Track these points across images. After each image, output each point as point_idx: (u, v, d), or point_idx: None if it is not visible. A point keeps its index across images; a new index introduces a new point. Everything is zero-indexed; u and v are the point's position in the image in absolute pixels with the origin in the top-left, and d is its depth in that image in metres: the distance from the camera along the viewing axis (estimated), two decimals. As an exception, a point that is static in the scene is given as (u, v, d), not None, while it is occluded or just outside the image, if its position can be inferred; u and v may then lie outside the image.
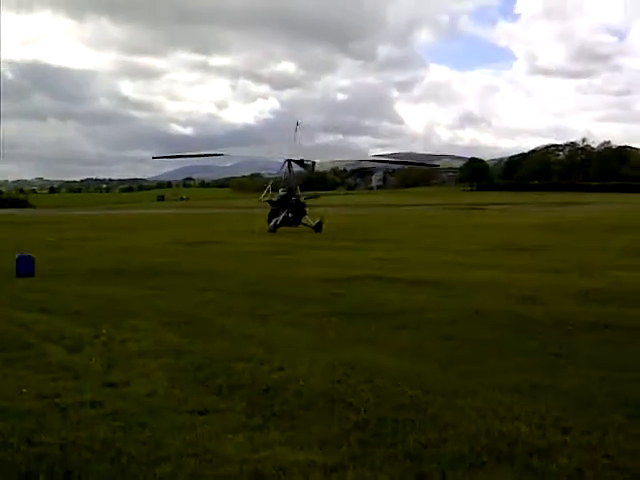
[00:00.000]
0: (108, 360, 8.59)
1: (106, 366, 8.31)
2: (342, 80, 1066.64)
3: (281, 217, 37.84)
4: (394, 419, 6.26)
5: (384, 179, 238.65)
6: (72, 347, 9.40)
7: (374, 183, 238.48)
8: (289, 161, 40.20)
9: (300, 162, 40.26)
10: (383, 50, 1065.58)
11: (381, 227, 41.54)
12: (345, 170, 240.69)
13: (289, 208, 38.06)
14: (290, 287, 15.03)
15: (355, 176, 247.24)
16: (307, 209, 38.88)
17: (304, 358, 8.48)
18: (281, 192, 39.32)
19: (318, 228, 37.01)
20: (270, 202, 39.25)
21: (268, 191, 41.03)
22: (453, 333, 10.15)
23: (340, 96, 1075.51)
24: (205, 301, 13.26)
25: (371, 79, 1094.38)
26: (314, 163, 41.84)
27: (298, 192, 40.13)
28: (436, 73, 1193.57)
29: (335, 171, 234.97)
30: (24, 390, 7.26)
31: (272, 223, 37.85)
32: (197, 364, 8.27)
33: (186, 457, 5.39)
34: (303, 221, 38.31)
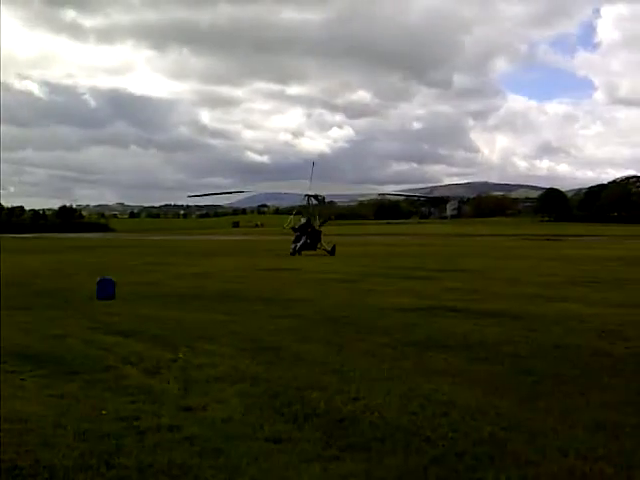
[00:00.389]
0: (185, 384, 8.70)
1: (183, 390, 8.42)
2: (417, 109, 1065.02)
3: (301, 242, 44.36)
4: (472, 455, 6.12)
5: (459, 208, 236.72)
6: (150, 370, 9.55)
7: (448, 212, 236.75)
8: (308, 196, 47.94)
9: (315, 197, 48.62)
10: (459, 79, 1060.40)
11: (456, 257, 41.04)
12: (419, 199, 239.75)
13: (307, 235, 44.59)
14: (364, 316, 14.95)
15: (429, 205, 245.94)
16: (323, 236, 45.48)
17: (379, 388, 8.40)
18: (302, 221, 46.40)
19: (332, 252, 42.81)
20: (293, 229, 46.26)
21: (291, 221, 48.72)
22: (531, 367, 9.86)
23: (415, 125, 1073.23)
24: (280, 328, 13.30)
25: (447, 108, 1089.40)
26: (324, 197, 52.36)
27: (316, 221, 46.81)
28: (513, 102, 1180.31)
29: (409, 200, 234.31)
30: (104, 412, 7.40)
31: (293, 247, 44.36)
32: (273, 391, 8.28)
33: (262, 485, 5.39)
34: (319, 246, 44.47)
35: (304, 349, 11.11)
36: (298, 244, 44.16)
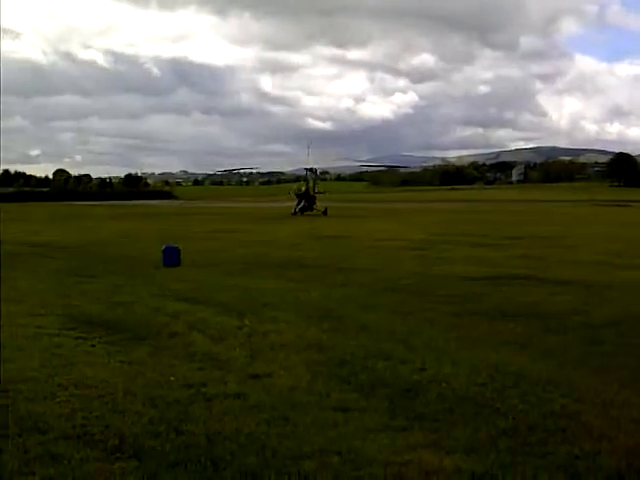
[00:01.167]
0: (251, 351, 8.73)
1: (249, 357, 8.45)
2: (483, 72, 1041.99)
3: (301, 205, 55.12)
4: (544, 427, 5.98)
5: (525, 173, 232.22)
6: (216, 337, 9.62)
7: (514, 177, 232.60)
8: (307, 169, 63.28)
9: (311, 169, 63.49)
10: (526, 41, 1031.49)
11: (523, 224, 40.25)
12: (484, 164, 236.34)
13: (305, 199, 55.99)
14: (429, 284, 14.77)
15: (495, 170, 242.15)
16: (317, 200, 56.78)
17: (446, 358, 8.28)
18: (303, 188, 59.10)
19: (325, 212, 53.01)
20: (297, 195, 57.81)
21: (294, 189, 61.70)
22: (604, 338, 9.59)
23: (480, 88, 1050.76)
24: (345, 296, 13.24)
25: (513, 71, 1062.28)
26: (316, 169, 66.07)
27: (315, 189, 60.03)
28: (581, 64, 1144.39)
29: (474, 165, 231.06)
30: (172, 379, 7.48)
31: (294, 208, 54.81)
32: (338, 360, 8.24)
33: (329, 455, 5.35)
34: (315, 207, 54.99)
35: (369, 318, 11.04)
36: (298, 207, 55.10)
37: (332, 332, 9.88)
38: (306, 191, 58.28)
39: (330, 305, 12.27)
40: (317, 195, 59.32)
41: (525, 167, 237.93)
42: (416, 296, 13.22)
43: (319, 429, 5.91)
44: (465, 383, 7.27)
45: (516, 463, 5.24)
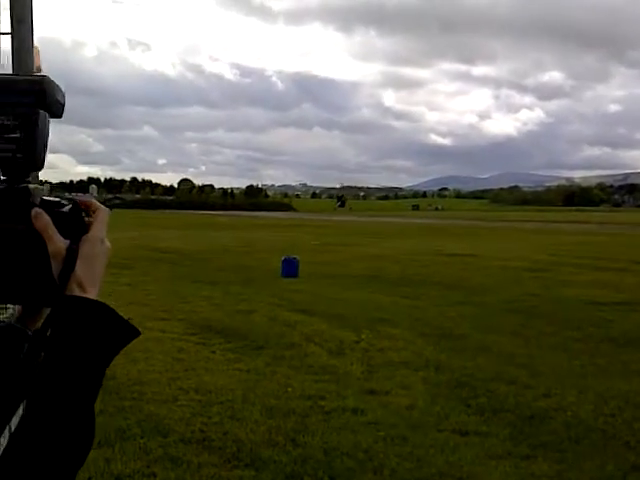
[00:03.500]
0: (368, 367, 8.66)
1: (367, 373, 8.38)
2: (615, 90, 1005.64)
3: (339, 203, 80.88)
4: (679, 466, 5.60)
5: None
6: (333, 350, 9.61)
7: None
8: (339, 192, 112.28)
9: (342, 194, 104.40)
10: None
11: (652, 248, 38.28)
12: (612, 185, 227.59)
13: (340, 201, 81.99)
14: (553, 307, 14.21)
15: (623, 192, 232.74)
16: (346, 204, 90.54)
17: (571, 386, 7.93)
18: (341, 196, 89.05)
19: (349, 209, 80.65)
20: (338, 198, 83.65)
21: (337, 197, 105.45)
22: None
23: (612, 107, 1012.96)
24: (462, 315, 12.95)
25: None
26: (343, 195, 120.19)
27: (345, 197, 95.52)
28: None
29: (601, 186, 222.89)
30: (289, 389, 7.52)
31: (335, 206, 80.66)
32: (457, 381, 8.04)
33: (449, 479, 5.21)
34: (345, 206, 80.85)
35: (488, 339, 10.73)
36: (338, 205, 76.00)
37: (450, 352, 9.67)
38: (340, 197, 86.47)
39: (447, 324, 12.03)
40: (347, 201, 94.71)
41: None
42: (538, 319, 12.75)
43: (438, 451, 5.77)
44: (592, 413, 6.93)
45: (649, 502, 4.93)
